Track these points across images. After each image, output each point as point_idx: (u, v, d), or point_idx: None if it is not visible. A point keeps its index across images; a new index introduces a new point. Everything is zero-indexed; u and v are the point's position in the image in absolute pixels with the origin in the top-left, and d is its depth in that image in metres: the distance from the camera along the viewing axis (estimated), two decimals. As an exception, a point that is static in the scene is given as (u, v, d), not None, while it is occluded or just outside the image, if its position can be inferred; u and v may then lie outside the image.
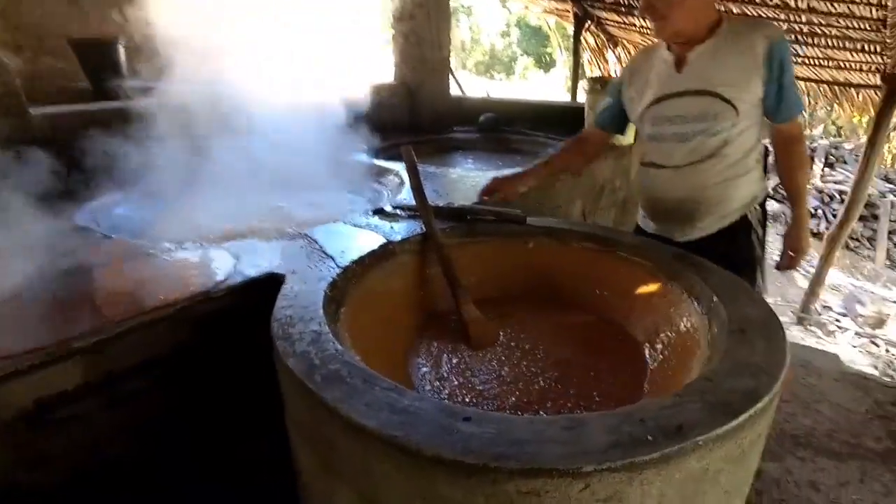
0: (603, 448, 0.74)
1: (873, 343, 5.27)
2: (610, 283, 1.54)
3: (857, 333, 5.43)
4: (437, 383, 1.24)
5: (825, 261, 5.03)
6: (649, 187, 1.88)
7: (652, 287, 1.43)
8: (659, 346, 1.31)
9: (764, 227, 1.82)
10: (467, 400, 1.17)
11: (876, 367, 4.81)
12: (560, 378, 1.25)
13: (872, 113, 4.93)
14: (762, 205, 1.80)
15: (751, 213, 1.77)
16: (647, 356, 1.33)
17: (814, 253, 7.57)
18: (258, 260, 1.40)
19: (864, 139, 9.19)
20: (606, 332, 1.45)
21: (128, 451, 1.22)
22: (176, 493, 1.30)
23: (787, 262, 1.81)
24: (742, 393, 0.86)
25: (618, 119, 1.92)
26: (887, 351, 5.12)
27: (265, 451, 1.29)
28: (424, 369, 1.29)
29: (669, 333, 1.31)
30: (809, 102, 6.03)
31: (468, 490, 0.75)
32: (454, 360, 1.32)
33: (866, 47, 4.47)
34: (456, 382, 1.24)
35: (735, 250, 1.74)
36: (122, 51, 2.93)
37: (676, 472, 0.75)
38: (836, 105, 5.97)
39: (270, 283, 1.28)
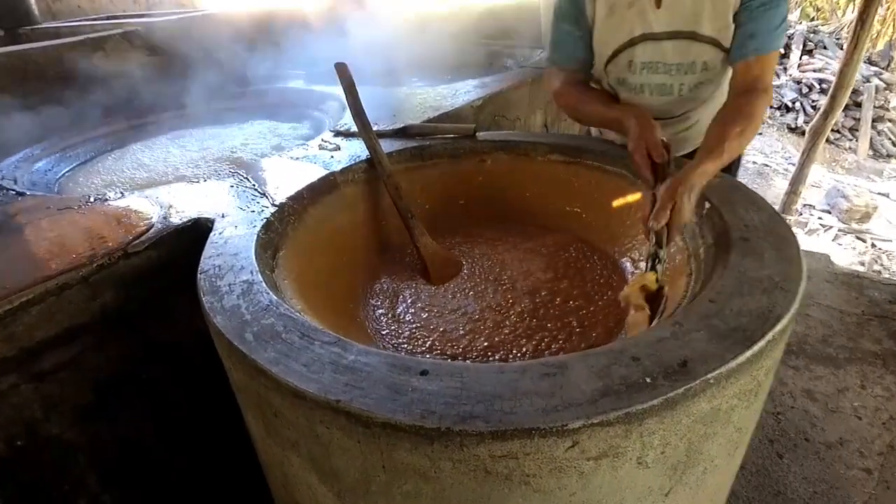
0: (591, 397, 0.62)
1: (859, 239, 5.21)
2: (581, 197, 1.44)
3: (840, 230, 5.36)
4: (395, 327, 1.16)
5: (807, 156, 4.84)
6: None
7: (629, 198, 1.34)
8: (643, 264, 1.18)
9: None
10: (429, 344, 1.10)
11: (863, 264, 4.78)
12: (534, 310, 1.18)
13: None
14: None
15: None
16: (630, 276, 1.24)
17: (793, 150, 7.44)
18: (185, 206, 1.29)
19: (844, 19, 8.72)
20: (581, 253, 1.36)
21: (69, 429, 1.13)
22: (139, 469, 1.27)
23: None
24: (755, 314, 0.73)
25: (589, 55, 1.48)
26: (873, 246, 5.07)
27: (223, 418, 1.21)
28: (380, 312, 1.22)
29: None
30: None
31: (433, 457, 0.66)
32: (413, 300, 1.25)
33: None
34: (416, 324, 1.16)
35: None
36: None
37: (683, 417, 0.64)
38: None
39: (198, 231, 1.19)
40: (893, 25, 4.78)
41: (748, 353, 0.67)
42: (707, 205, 1.08)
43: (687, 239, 1.10)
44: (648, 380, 0.64)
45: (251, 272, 0.94)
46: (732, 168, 1.61)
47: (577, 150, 1.43)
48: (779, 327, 0.71)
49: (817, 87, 8.17)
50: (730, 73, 1.33)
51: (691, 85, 1.38)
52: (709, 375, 0.64)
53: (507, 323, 1.13)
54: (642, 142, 1.17)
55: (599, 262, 1.31)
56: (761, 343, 0.69)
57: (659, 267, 1.03)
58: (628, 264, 1.26)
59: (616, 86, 1.47)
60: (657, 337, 0.72)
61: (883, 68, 8.13)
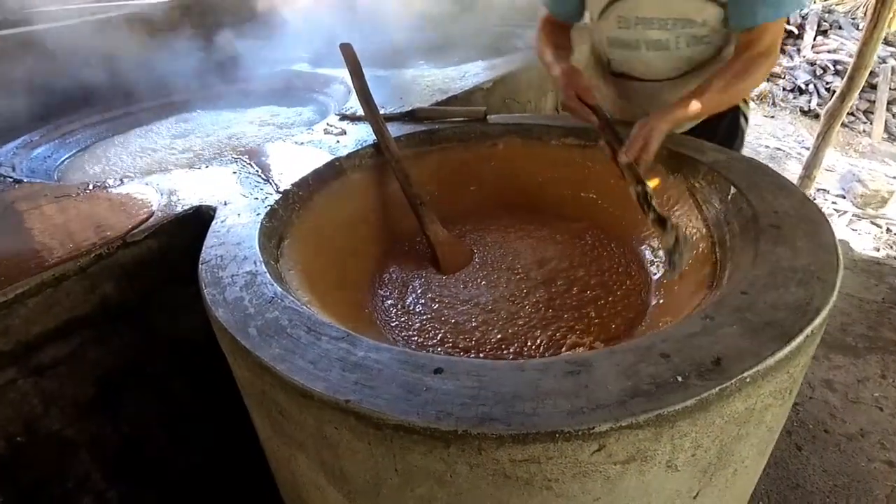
0: (619, 398, 0.58)
1: (874, 224, 5.10)
2: (598, 183, 1.40)
3: (855, 215, 5.24)
4: (405, 318, 1.12)
5: (823, 139, 4.67)
6: (621, 98, 1.55)
7: (650, 183, 1.24)
8: (663, 252, 1.13)
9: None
10: (440, 336, 1.06)
11: (877, 250, 4.69)
12: (549, 300, 1.14)
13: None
14: None
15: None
16: (650, 265, 1.20)
17: (805, 134, 7.30)
18: (186, 193, 1.26)
19: (861, -1, 8.48)
20: (598, 241, 1.32)
21: (71, 425, 1.12)
22: (145, 466, 1.26)
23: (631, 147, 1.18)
24: (791, 307, 0.69)
25: (578, 5, 1.48)
26: (889, 231, 4.97)
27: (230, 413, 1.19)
28: (389, 302, 1.18)
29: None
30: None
31: (449, 461, 0.63)
32: (423, 290, 1.22)
33: None
34: (426, 315, 1.12)
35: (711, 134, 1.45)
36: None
37: (717, 418, 0.60)
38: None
39: (200, 219, 1.15)
40: (914, 4, 4.56)
41: (786, 350, 0.63)
42: (732, 189, 1.03)
43: (711, 226, 1.05)
44: (680, 379, 0.60)
45: (255, 262, 0.91)
46: (735, 143, 1.54)
47: (592, 133, 1.37)
48: (818, 321, 0.67)
49: (832, 68, 7.98)
50: (733, 43, 1.32)
51: (688, 39, 1.34)
52: (745, 374, 0.60)
53: (522, 314, 1.09)
54: (571, 89, 1.26)
55: (617, 250, 1.26)
56: (799, 339, 0.65)
57: (654, 201, 1.09)
58: (647, 252, 1.22)
59: (609, 47, 1.47)
60: (687, 332, 0.68)
61: (899, 48, 7.94)
